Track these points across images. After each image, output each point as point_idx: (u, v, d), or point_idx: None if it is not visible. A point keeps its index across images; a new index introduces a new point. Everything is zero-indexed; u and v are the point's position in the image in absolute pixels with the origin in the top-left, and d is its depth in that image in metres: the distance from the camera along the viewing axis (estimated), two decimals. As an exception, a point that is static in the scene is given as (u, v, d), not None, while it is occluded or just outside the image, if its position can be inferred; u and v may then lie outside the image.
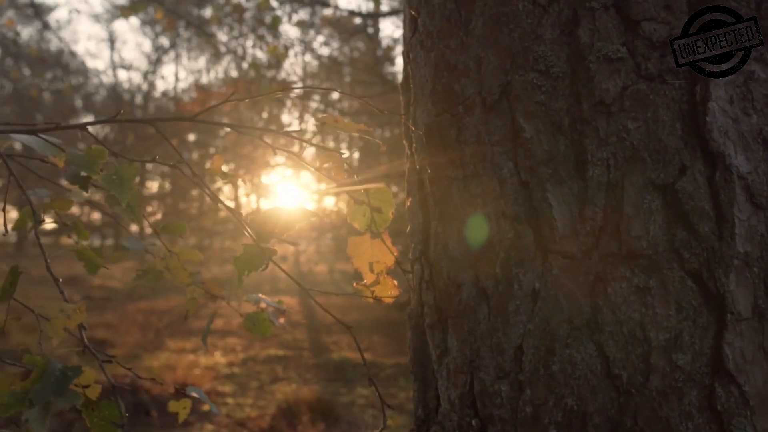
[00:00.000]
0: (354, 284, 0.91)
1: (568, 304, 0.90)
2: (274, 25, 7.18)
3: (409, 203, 1.15)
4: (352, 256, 0.88)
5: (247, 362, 7.39)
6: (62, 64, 21.11)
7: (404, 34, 1.24)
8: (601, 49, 0.90)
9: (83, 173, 1.00)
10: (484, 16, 0.98)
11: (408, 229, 1.16)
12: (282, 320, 1.54)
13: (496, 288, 0.95)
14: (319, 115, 0.87)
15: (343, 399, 6.05)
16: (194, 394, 1.30)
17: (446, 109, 1.02)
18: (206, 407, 1.22)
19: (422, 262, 1.09)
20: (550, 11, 0.94)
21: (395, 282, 0.90)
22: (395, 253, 0.89)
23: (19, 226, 1.41)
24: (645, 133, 0.89)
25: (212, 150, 17.04)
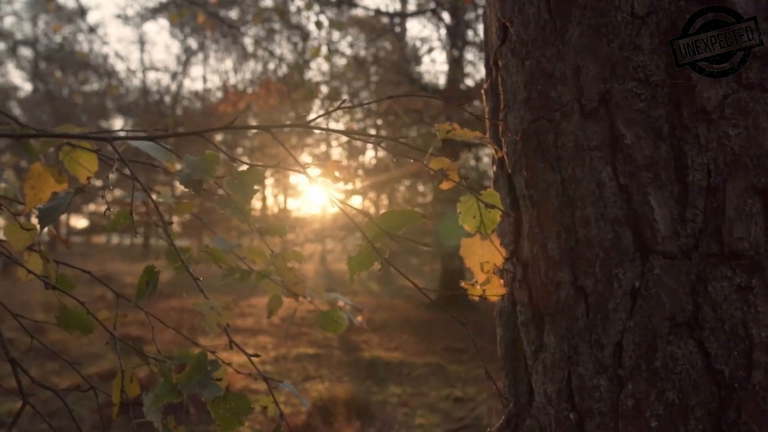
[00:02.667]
0: (462, 283, 0.96)
1: (669, 302, 0.94)
2: (318, 28, 7.31)
3: (497, 205, 1.19)
4: (464, 256, 0.93)
5: (279, 360, 7.47)
6: (104, 66, 21.58)
7: (489, 42, 1.28)
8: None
9: (197, 177, 1.06)
10: (581, 26, 1.02)
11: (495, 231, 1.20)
12: (360, 318, 1.59)
13: (595, 287, 1.00)
14: (437, 125, 0.92)
15: (376, 397, 6.10)
16: (286, 389, 1.36)
17: (543, 115, 1.06)
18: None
19: (513, 262, 1.14)
20: (649, 22, 0.98)
21: (502, 281, 0.95)
22: (503, 254, 0.93)
23: (113, 226, 1.48)
24: (746, 139, 0.92)
25: (239, 150, 17.19)
